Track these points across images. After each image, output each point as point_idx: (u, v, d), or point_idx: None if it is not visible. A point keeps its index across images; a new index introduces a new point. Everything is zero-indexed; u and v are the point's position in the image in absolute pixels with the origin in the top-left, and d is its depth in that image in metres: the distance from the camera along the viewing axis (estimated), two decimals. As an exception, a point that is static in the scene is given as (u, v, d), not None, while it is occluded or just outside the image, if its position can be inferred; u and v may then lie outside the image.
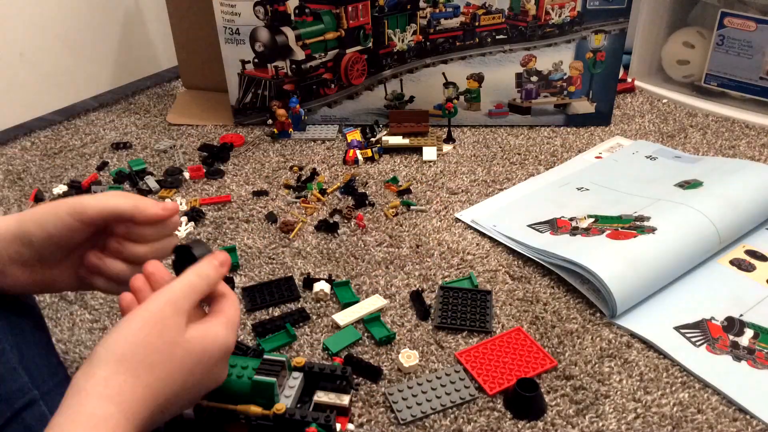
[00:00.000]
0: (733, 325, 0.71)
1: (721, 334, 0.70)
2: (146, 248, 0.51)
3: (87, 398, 0.41)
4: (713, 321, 0.72)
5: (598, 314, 0.73)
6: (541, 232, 0.84)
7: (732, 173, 0.90)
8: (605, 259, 0.75)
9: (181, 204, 0.92)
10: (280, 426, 0.53)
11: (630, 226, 0.81)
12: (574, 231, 0.83)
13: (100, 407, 0.40)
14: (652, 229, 0.78)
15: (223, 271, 0.49)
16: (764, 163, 1.01)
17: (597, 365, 0.66)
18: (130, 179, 0.98)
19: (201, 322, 0.46)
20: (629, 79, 1.25)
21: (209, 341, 0.46)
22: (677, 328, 0.71)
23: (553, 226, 0.85)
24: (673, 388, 0.64)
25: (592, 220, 0.84)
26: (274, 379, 0.53)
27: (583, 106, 1.12)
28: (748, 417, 0.61)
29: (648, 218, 0.81)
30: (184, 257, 0.49)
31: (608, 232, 0.80)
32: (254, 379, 0.53)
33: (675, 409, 0.62)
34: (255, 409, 0.53)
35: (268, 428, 0.54)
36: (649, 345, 0.69)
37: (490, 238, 0.85)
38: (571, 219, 0.85)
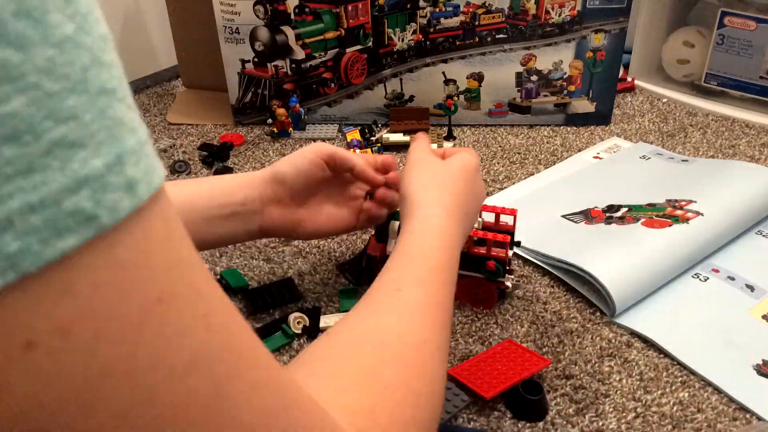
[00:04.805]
0: None
1: None
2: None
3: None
4: None
5: (598, 313, 0.73)
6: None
7: (724, 176, 0.90)
8: (604, 258, 0.75)
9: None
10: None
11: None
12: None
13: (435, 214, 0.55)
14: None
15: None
16: (765, 162, 1.02)
17: (597, 364, 0.66)
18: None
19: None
20: (629, 79, 1.25)
21: (461, 161, 0.62)
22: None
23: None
24: (673, 388, 0.64)
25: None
26: None
27: (582, 105, 1.12)
28: (748, 416, 0.61)
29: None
30: None
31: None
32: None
33: (675, 408, 0.62)
34: None
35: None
36: (649, 344, 0.69)
37: (490, 238, 0.85)
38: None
